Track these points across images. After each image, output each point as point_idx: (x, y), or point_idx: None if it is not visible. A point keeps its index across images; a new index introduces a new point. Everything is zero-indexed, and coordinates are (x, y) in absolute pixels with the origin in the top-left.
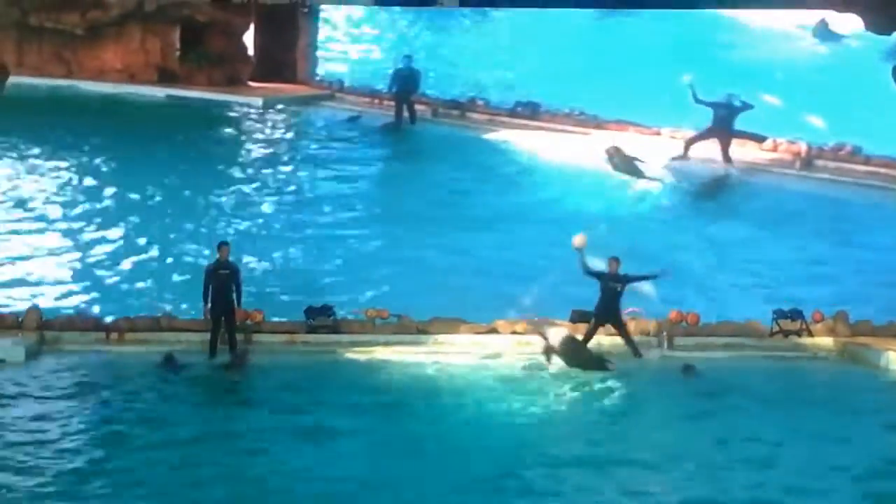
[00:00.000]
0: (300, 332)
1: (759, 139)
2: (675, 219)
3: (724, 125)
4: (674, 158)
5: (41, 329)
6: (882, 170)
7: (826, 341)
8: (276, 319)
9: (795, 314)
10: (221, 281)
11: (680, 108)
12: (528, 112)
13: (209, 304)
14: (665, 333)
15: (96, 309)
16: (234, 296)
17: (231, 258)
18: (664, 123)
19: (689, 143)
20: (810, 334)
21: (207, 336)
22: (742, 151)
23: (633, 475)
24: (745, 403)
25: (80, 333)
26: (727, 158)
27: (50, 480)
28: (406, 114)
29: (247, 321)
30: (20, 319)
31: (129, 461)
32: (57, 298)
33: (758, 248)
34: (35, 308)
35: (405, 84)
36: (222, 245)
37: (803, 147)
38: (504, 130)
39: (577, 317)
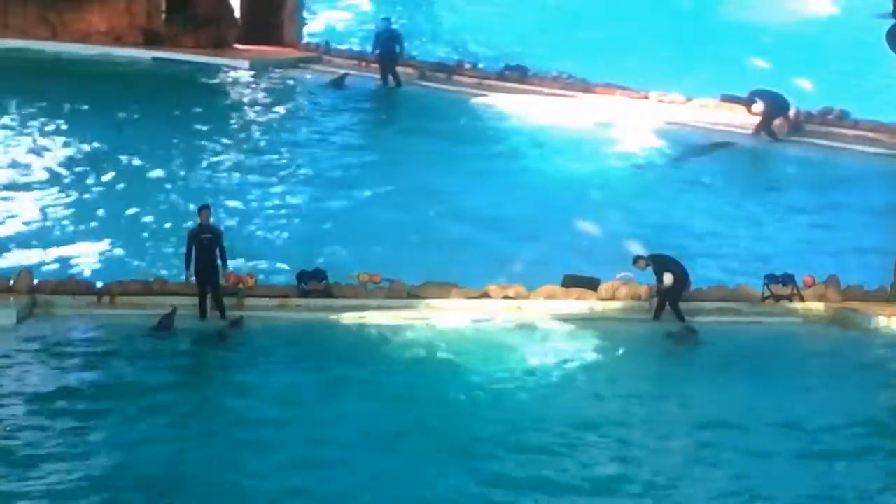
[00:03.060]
0: (293, 296)
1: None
2: (663, 180)
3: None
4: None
5: (33, 292)
6: (869, 133)
7: (817, 306)
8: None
9: (787, 279)
10: (204, 245)
11: (668, 72)
12: (516, 75)
13: (192, 269)
14: (654, 298)
15: (87, 272)
16: (219, 259)
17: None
18: (652, 87)
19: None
20: (801, 299)
21: (197, 300)
22: (731, 116)
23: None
24: (735, 367)
25: (71, 297)
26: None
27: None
28: (391, 77)
29: (238, 285)
30: (12, 282)
31: (117, 424)
32: (47, 262)
33: (747, 212)
34: (27, 271)
35: (386, 46)
36: (203, 208)
37: (792, 111)
38: (492, 94)
39: (570, 281)
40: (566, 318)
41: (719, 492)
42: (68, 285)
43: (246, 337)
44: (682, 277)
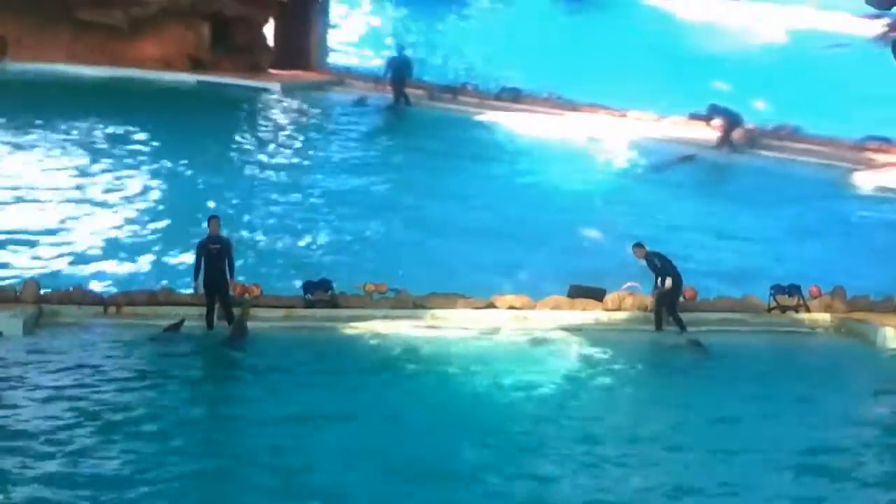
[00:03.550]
0: (298, 306)
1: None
2: (647, 189)
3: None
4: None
5: (39, 302)
6: (818, 147)
7: (823, 317)
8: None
9: (793, 289)
10: (213, 255)
11: (643, 93)
12: (512, 96)
13: (200, 280)
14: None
15: (103, 284)
16: (227, 270)
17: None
18: (630, 107)
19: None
20: (807, 310)
21: (205, 310)
22: (696, 132)
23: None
24: (739, 378)
25: (77, 307)
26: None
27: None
28: (402, 98)
29: (245, 295)
30: (18, 292)
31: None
32: (58, 270)
33: (719, 220)
34: (33, 281)
35: (398, 71)
36: (211, 219)
37: (751, 126)
38: (491, 112)
39: (575, 292)
40: (572, 329)
41: None
42: (74, 295)
43: (251, 346)
44: (678, 281)
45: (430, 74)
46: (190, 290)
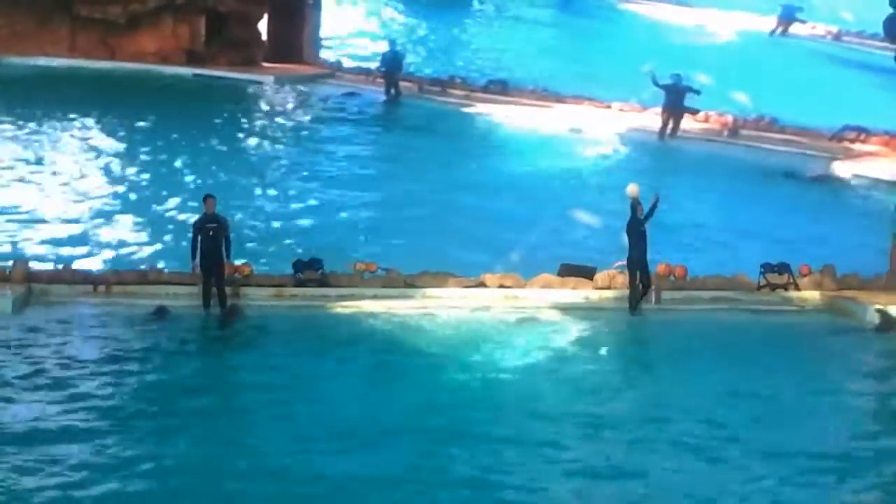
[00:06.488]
0: (288, 285)
1: (694, 112)
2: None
3: (675, 104)
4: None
5: (29, 281)
6: (794, 137)
7: (813, 294)
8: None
9: (783, 268)
10: (210, 235)
11: (627, 86)
12: (499, 88)
13: (197, 259)
14: (653, 287)
15: (81, 263)
16: (224, 249)
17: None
18: (614, 98)
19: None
20: (797, 288)
21: (195, 289)
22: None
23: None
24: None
25: (67, 286)
26: (675, 130)
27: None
28: (393, 90)
29: (235, 274)
30: (8, 272)
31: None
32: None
33: (701, 203)
34: (21, 261)
35: (390, 65)
36: (208, 197)
37: (730, 119)
38: (479, 104)
39: (566, 271)
40: (562, 308)
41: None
42: (64, 275)
43: (243, 326)
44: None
45: (426, 69)
46: (173, 269)
